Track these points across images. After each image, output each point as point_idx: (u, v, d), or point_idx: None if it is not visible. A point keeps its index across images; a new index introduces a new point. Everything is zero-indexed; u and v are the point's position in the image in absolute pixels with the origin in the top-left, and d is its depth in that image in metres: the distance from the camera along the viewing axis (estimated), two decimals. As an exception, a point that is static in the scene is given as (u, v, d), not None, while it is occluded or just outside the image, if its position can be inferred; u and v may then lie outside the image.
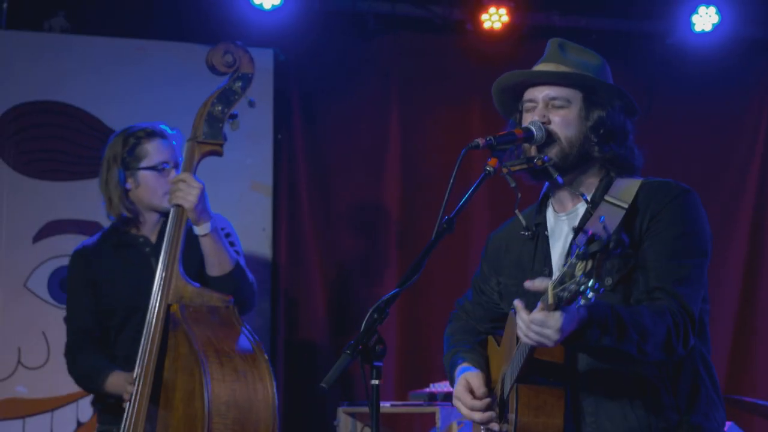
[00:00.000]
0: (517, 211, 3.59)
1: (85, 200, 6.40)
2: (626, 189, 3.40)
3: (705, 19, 6.71)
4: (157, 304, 4.47)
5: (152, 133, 4.81)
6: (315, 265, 6.68)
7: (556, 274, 3.39)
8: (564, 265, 2.85)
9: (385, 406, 5.79)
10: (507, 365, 3.46)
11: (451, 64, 6.93)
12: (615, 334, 3.05)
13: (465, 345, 3.80)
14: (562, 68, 3.48)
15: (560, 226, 3.53)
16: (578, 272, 2.75)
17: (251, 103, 4.72)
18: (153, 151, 4.77)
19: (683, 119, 7.09)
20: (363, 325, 3.07)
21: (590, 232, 2.71)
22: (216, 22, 6.42)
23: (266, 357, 4.41)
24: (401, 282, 3.14)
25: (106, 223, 6.18)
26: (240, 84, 4.67)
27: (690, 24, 6.73)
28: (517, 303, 3.08)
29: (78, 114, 6.46)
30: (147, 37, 6.56)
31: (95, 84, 6.49)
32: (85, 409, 6.25)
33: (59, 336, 6.30)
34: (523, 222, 3.59)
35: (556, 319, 2.92)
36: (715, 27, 6.72)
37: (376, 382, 3.08)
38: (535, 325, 2.97)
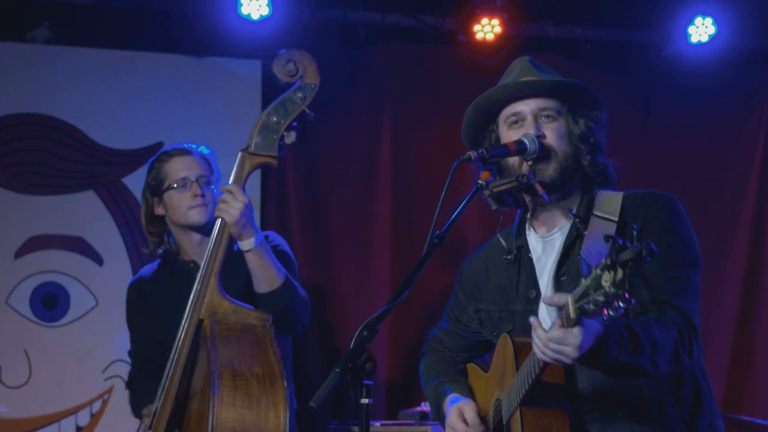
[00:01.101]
0: (498, 236, 3.60)
1: (70, 215, 6.40)
2: (609, 202, 3.41)
3: (701, 30, 6.71)
4: (188, 319, 4.44)
5: (173, 153, 4.82)
6: (305, 280, 6.66)
7: (545, 294, 3.40)
8: (585, 276, 2.83)
9: (376, 425, 5.78)
10: (501, 391, 3.44)
11: (444, 75, 6.93)
12: (630, 348, 3.05)
13: (447, 376, 3.79)
14: (546, 78, 3.49)
15: (543, 247, 3.52)
16: (605, 282, 2.72)
17: (310, 117, 4.63)
18: (173, 170, 4.78)
19: (680, 131, 7.09)
20: (353, 342, 3.06)
21: (621, 241, 2.69)
22: (204, 32, 6.44)
23: (285, 384, 4.34)
24: (392, 298, 3.14)
25: (90, 239, 6.17)
26: (301, 94, 4.58)
27: (686, 35, 6.74)
28: (533, 320, 3.06)
29: (62, 127, 6.45)
30: (134, 48, 6.56)
31: (80, 96, 6.48)
32: (68, 427, 6.22)
33: (41, 354, 6.30)
34: (505, 245, 3.58)
35: (575, 336, 2.91)
36: (712, 38, 6.73)
37: (366, 401, 3.07)
38: (553, 342, 2.95)
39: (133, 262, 6.43)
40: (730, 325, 6.98)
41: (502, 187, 3.38)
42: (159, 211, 4.82)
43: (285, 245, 4.85)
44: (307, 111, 4.57)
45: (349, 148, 6.86)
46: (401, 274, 6.51)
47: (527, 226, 3.59)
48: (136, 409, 4.87)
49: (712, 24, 6.71)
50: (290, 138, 4.57)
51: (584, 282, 2.81)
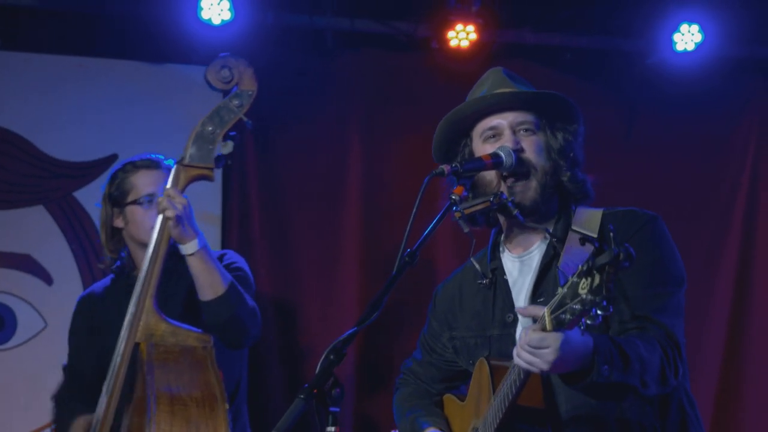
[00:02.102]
0: (472, 259, 3.62)
1: (17, 231, 6.37)
2: (588, 219, 3.43)
3: (687, 38, 6.76)
4: (124, 343, 4.44)
5: (139, 165, 4.82)
6: (269, 304, 6.65)
7: (521, 318, 3.41)
8: (561, 285, 2.85)
9: (344, 455, 5.77)
10: (478, 418, 3.45)
11: (416, 84, 6.94)
12: (621, 367, 3.07)
13: (423, 409, 3.80)
14: (523, 90, 3.51)
15: (519, 268, 3.54)
16: (582, 290, 2.73)
17: (247, 125, 4.66)
18: (139, 184, 4.79)
19: (665, 144, 7.12)
20: (318, 367, 3.06)
21: (597, 244, 2.71)
22: (162, 38, 6.43)
23: (227, 407, 4.36)
24: (360, 320, 3.14)
25: (38, 257, 6.13)
26: (237, 102, 4.62)
27: (671, 43, 6.78)
28: (520, 309, 3.08)
29: (9, 138, 6.43)
30: (87, 54, 6.54)
31: (29, 105, 6.46)
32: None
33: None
34: (479, 268, 3.59)
35: (555, 338, 2.92)
36: (698, 46, 6.77)
37: (333, 429, 3.07)
38: (530, 345, 2.97)
39: (84, 281, 6.40)
40: (719, 345, 7.01)
41: (474, 208, 3.41)
42: (118, 223, 4.83)
43: (242, 263, 4.86)
44: (245, 119, 4.63)
45: (316, 162, 6.86)
46: (370, 295, 6.51)
47: (502, 247, 3.60)
48: (60, 428, 4.86)
49: (699, 31, 6.76)
50: (227, 148, 4.60)
51: (560, 291, 2.84)
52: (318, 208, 6.84)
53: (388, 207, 6.76)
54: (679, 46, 6.77)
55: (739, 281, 7.09)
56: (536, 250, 3.49)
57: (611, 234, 2.69)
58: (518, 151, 3.43)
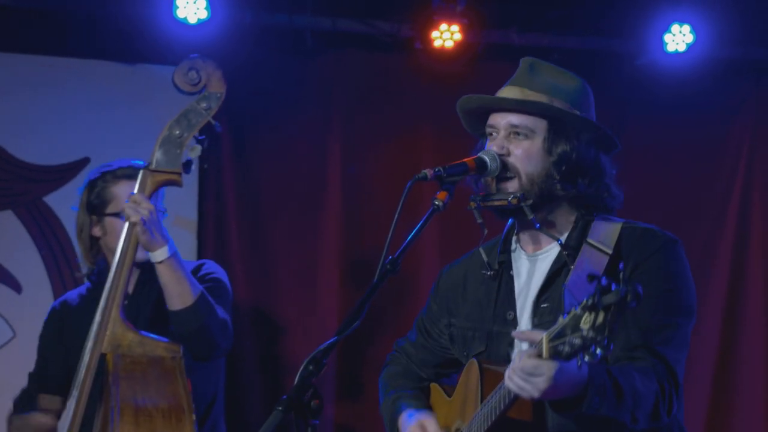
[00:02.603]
0: (481, 249, 3.62)
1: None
2: (607, 232, 3.42)
3: (678, 38, 6.76)
4: (90, 353, 4.44)
5: (120, 174, 4.82)
6: (246, 311, 6.65)
7: (522, 319, 3.42)
8: (564, 315, 2.85)
9: (324, 469, 5.77)
10: (462, 421, 3.45)
11: (399, 86, 6.95)
12: (613, 401, 3.08)
13: (407, 391, 3.80)
14: (528, 93, 3.51)
15: (528, 267, 3.55)
16: (584, 325, 2.74)
17: (216, 128, 4.67)
18: (120, 195, 4.78)
19: (655, 148, 7.14)
20: (297, 377, 3.06)
21: (605, 281, 2.71)
22: (136, 37, 6.40)
23: (194, 418, 4.38)
24: (340, 329, 3.15)
25: (7, 263, 6.11)
26: (205, 105, 4.64)
27: (662, 43, 6.78)
28: (517, 334, 3.08)
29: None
30: (57, 54, 6.52)
31: (-4, 106, 6.45)
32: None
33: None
34: (486, 259, 3.60)
35: (550, 367, 2.92)
36: (690, 47, 6.77)
37: (312, 441, 3.08)
38: (523, 372, 2.96)
39: (55, 289, 6.38)
40: (712, 350, 7.04)
41: (490, 204, 3.45)
42: (96, 232, 4.83)
43: (221, 274, 4.86)
44: (213, 122, 4.63)
45: (295, 166, 6.86)
46: (351, 303, 6.52)
47: (514, 241, 3.62)
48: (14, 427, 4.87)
49: (690, 32, 6.76)
50: (195, 152, 4.62)
51: (561, 321, 2.84)
52: (297, 213, 6.84)
53: (369, 213, 6.76)
54: (670, 47, 6.78)
55: (733, 284, 7.12)
56: (548, 253, 3.50)
57: (621, 273, 2.70)
58: (504, 155, 3.44)
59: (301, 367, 3.08)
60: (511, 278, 3.56)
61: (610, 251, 3.36)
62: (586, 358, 2.75)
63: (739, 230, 7.16)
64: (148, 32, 6.38)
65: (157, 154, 4.58)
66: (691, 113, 7.12)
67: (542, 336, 2.91)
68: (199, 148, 4.63)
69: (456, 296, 3.73)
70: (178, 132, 4.59)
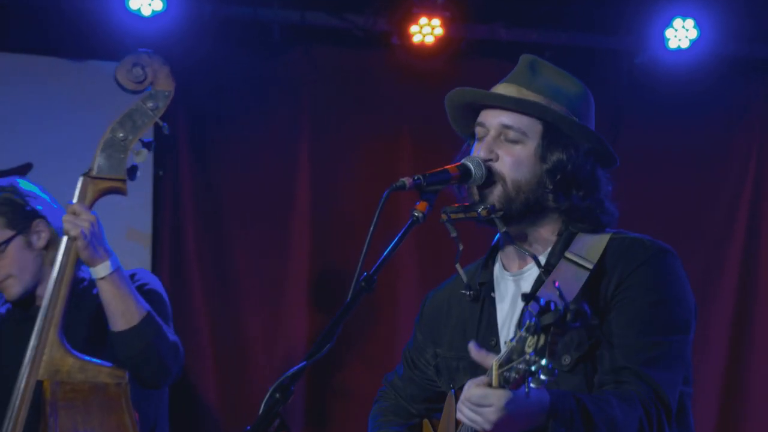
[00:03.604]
0: (457, 266, 3.61)
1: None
2: (591, 245, 3.41)
3: (681, 34, 6.79)
4: (24, 381, 4.41)
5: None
6: (205, 334, 6.64)
7: (503, 347, 3.42)
8: (512, 339, 2.85)
9: (292, 507, 5.77)
10: (445, 458, 3.47)
11: (374, 85, 6.95)
12: (582, 430, 3.06)
13: (394, 428, 3.81)
14: (525, 93, 3.50)
15: (508, 287, 3.55)
16: (528, 348, 2.75)
17: (164, 130, 4.66)
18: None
19: (654, 154, 7.17)
20: (262, 406, 3.06)
21: (543, 301, 2.71)
22: (85, 31, 6.39)
23: None
24: (310, 353, 3.14)
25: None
26: (152, 104, 4.60)
27: (663, 40, 6.81)
28: (472, 349, 3.08)
29: None
30: (-1, 50, 6.54)
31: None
32: None
33: None
34: (464, 279, 3.60)
35: (498, 396, 2.90)
36: (693, 43, 6.81)
37: (280, 476, 3.09)
38: (470, 402, 2.96)
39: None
40: (717, 374, 7.08)
41: (460, 216, 3.43)
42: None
43: (157, 285, 4.83)
44: (161, 123, 4.61)
45: (260, 173, 6.85)
46: (321, 324, 6.52)
47: (498, 258, 3.63)
48: None
49: (694, 27, 6.79)
50: (141, 157, 4.60)
51: (509, 345, 2.84)
52: (262, 225, 6.84)
53: (341, 224, 6.77)
54: (672, 44, 6.81)
55: (741, 303, 7.15)
56: (531, 271, 3.49)
57: (558, 290, 2.71)
58: (491, 160, 3.44)
59: (267, 395, 3.07)
60: (492, 300, 3.55)
61: (590, 266, 3.33)
62: (533, 385, 2.75)
63: (747, 244, 7.18)
64: (98, 26, 6.37)
65: (99, 160, 4.55)
66: (694, 115, 7.15)
67: (493, 362, 2.92)
68: (145, 152, 4.61)
69: (440, 323, 3.72)
70: (121, 135, 4.57)
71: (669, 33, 6.81)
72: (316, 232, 6.82)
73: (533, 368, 2.72)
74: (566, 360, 3.19)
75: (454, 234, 3.44)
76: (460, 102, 3.58)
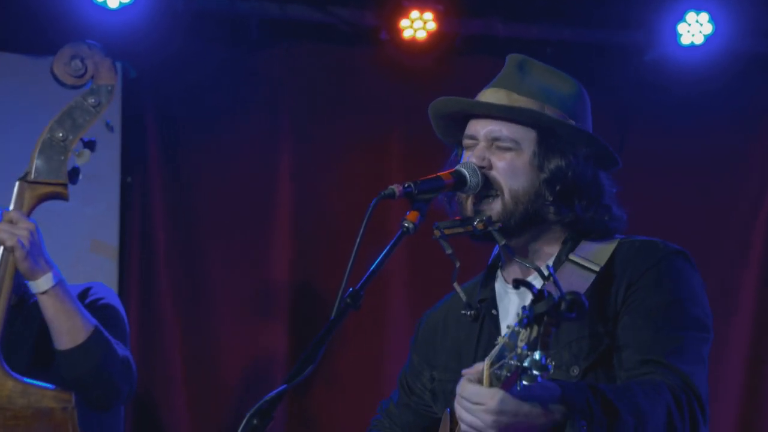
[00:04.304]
0: (455, 284, 3.60)
1: None
2: (599, 250, 3.41)
3: (695, 29, 6.78)
4: None
5: None
6: (176, 356, 6.62)
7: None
8: (504, 334, 2.83)
9: None
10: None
11: (361, 84, 6.95)
12: (605, 421, 3.03)
13: None
14: (515, 98, 3.49)
15: (511, 301, 3.54)
16: (521, 342, 2.73)
17: (108, 126, 4.64)
18: None
19: (666, 158, 7.16)
20: (240, 433, 3.06)
21: (536, 289, 2.71)
22: (47, 24, 6.36)
23: None
24: (291, 376, 3.12)
25: None
26: (93, 100, 4.58)
27: (675, 35, 6.81)
28: (465, 373, 3.06)
29: None
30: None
31: None
32: None
33: None
34: (464, 297, 3.60)
35: (490, 395, 2.88)
36: (708, 39, 6.80)
37: None
38: (465, 399, 2.95)
39: None
40: (735, 397, 7.09)
41: (454, 231, 3.42)
42: None
43: (113, 299, 4.79)
44: (105, 121, 4.59)
45: (237, 180, 6.84)
46: (302, 344, 6.51)
47: (498, 273, 3.62)
48: None
49: (709, 21, 6.78)
50: (84, 158, 4.57)
51: (500, 341, 2.83)
52: (239, 235, 6.83)
53: (325, 235, 6.76)
54: (685, 39, 6.81)
55: (759, 323, 7.15)
56: (535, 282, 3.48)
57: (553, 278, 2.69)
58: (485, 167, 3.44)
59: (244, 421, 3.05)
60: (494, 318, 3.54)
61: (597, 269, 3.35)
62: (525, 382, 2.72)
63: (766, 259, 7.18)
64: (60, 18, 6.34)
65: (37, 162, 4.52)
66: (709, 118, 7.14)
67: (483, 363, 2.90)
68: (87, 152, 4.58)
69: (435, 344, 3.72)
70: (61, 134, 4.54)
71: (681, 28, 6.81)
72: (298, 244, 6.81)
73: (526, 363, 2.70)
74: (574, 371, 3.17)
75: (449, 251, 3.45)
76: (446, 112, 3.59)
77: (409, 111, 6.70)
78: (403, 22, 6.71)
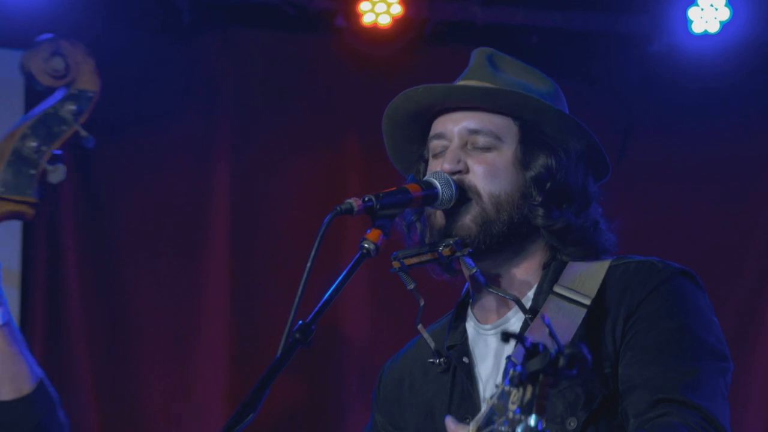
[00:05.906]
0: (420, 327, 3.60)
1: None
2: (587, 275, 3.41)
3: (708, 15, 6.82)
4: None
5: None
6: (91, 398, 6.61)
7: (484, 407, 3.41)
8: (492, 395, 2.81)
9: None
10: None
11: (313, 78, 6.95)
12: None
13: None
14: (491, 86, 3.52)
15: (488, 344, 3.54)
16: (512, 405, 2.75)
17: (88, 143, 4.54)
18: None
19: (673, 163, 7.19)
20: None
21: (529, 343, 2.72)
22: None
23: None
24: (229, 424, 3.13)
25: None
26: (74, 107, 4.51)
27: (686, 22, 6.84)
28: (449, 424, 3.08)
29: None
30: None
31: None
32: None
33: None
34: (431, 344, 3.60)
35: None
36: (724, 26, 6.83)
37: None
38: None
39: None
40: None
41: (418, 260, 3.42)
42: None
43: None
44: (82, 132, 4.53)
45: (165, 191, 6.83)
46: (242, 387, 6.51)
47: (469, 311, 3.62)
48: None
49: (726, 5, 6.82)
50: (57, 174, 4.48)
51: (488, 403, 2.83)
52: (167, 259, 6.82)
53: (270, 258, 6.76)
54: (697, 27, 6.84)
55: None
56: (514, 320, 3.50)
57: (549, 329, 2.70)
58: (460, 172, 3.43)
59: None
60: (466, 367, 3.53)
61: (587, 302, 3.35)
62: None
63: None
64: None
65: (4, 175, 4.44)
66: (724, 117, 7.17)
67: (468, 429, 2.92)
68: (61, 168, 4.48)
69: (402, 402, 3.71)
70: (34, 144, 4.45)
71: (693, 13, 6.84)
72: (238, 269, 6.81)
73: (519, 430, 2.72)
74: (571, 424, 3.18)
75: (411, 286, 3.44)
76: (409, 111, 3.57)
77: (370, 109, 6.68)
78: (363, 6, 6.71)
